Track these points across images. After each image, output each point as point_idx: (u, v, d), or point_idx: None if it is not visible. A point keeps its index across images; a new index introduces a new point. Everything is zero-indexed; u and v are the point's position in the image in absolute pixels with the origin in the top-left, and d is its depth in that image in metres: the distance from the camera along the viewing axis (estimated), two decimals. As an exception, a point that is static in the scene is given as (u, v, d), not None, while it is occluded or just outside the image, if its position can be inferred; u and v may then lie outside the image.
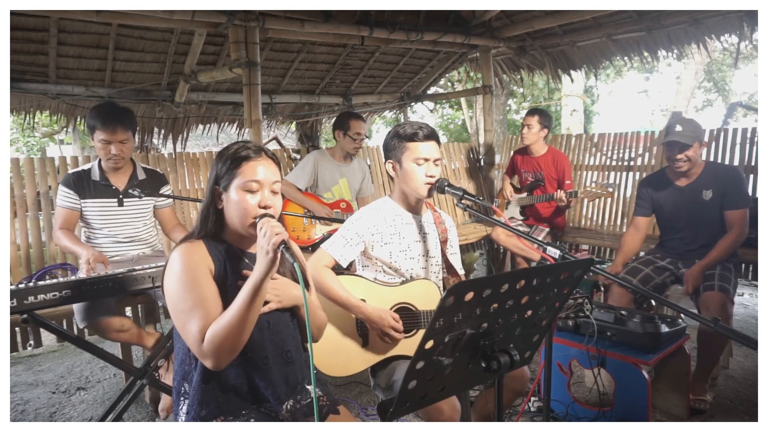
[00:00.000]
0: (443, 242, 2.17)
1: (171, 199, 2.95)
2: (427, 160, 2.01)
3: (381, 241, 2.08)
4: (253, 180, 1.43)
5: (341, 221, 3.31)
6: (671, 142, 2.90)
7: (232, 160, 1.45)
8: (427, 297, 2.08)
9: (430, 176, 2.01)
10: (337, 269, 2.06)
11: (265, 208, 1.43)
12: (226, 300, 1.41)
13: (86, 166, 2.75)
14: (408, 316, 2.04)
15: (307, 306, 1.29)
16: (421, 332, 2.04)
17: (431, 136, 2.02)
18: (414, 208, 2.13)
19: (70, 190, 2.65)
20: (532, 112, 4.30)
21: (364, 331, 2.02)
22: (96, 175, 2.70)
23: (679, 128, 2.90)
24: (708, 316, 2.66)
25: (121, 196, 2.72)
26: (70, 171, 2.76)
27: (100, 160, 2.73)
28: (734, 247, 2.90)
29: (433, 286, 2.10)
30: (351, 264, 2.22)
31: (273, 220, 1.39)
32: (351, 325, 2.02)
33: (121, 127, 2.61)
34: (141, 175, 2.80)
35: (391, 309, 2.03)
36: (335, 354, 1.97)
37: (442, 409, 1.78)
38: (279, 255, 1.32)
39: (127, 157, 2.72)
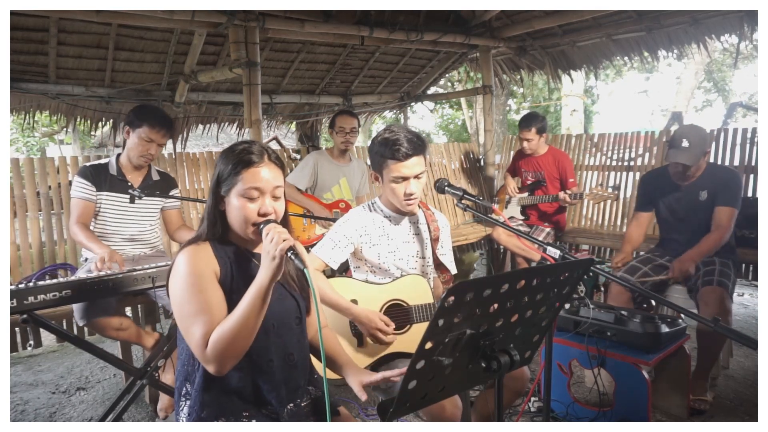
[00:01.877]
0: (434, 241, 2.16)
1: (179, 201, 2.97)
2: (406, 178, 1.97)
3: (369, 242, 2.08)
4: (253, 188, 1.41)
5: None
6: (681, 164, 2.86)
7: (233, 164, 1.42)
8: (416, 292, 2.08)
9: (409, 194, 1.99)
10: (329, 272, 2.06)
11: (264, 215, 1.41)
12: (232, 303, 1.40)
13: (103, 161, 2.79)
14: (399, 312, 2.04)
15: (318, 308, 1.29)
16: (414, 327, 2.05)
17: (413, 152, 1.94)
18: (402, 210, 2.11)
19: (87, 182, 2.67)
20: (527, 123, 4.20)
21: (358, 331, 2.02)
22: (113, 169, 2.74)
23: (685, 143, 2.82)
24: (707, 311, 2.67)
25: (133, 193, 2.74)
26: (87, 164, 2.78)
27: (118, 156, 2.77)
28: (718, 244, 2.86)
29: (422, 280, 2.11)
30: (347, 267, 2.22)
31: (279, 226, 1.36)
32: (345, 327, 2.02)
33: (168, 132, 2.74)
34: (155, 177, 2.86)
35: (382, 306, 2.04)
36: None
37: (444, 406, 1.77)
38: (284, 260, 1.31)
39: (153, 160, 2.81)
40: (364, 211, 2.12)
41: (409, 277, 2.10)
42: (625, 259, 3.14)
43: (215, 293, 1.38)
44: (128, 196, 2.73)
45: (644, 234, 3.24)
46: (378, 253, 2.08)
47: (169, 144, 5.09)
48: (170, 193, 2.89)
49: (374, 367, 2.03)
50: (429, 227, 2.17)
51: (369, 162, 4.52)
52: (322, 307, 1.95)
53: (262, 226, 1.38)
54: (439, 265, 2.17)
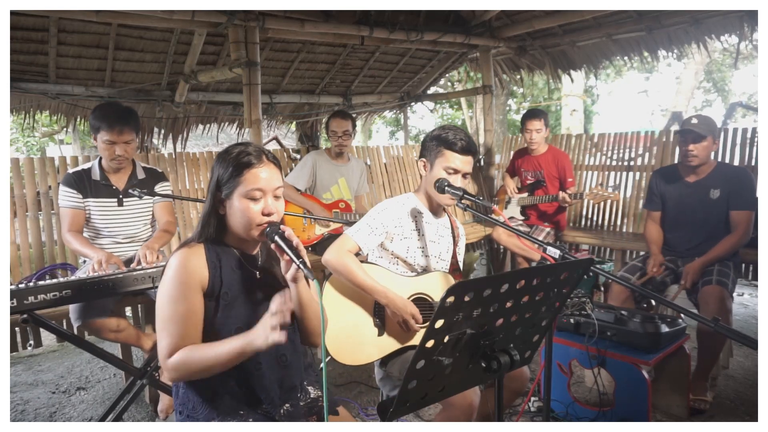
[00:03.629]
0: (455, 245, 2.22)
1: (168, 195, 2.92)
2: (456, 171, 2.01)
3: (401, 234, 2.09)
4: (256, 188, 1.42)
5: (341, 222, 3.33)
6: (685, 130, 2.93)
7: (234, 166, 1.43)
8: (443, 288, 2.11)
9: (458, 187, 2.00)
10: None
11: (268, 215, 1.43)
12: (217, 307, 1.42)
13: (86, 166, 2.73)
14: (425, 306, 2.06)
15: (323, 319, 1.30)
16: None
17: (469, 150, 2.02)
18: (435, 209, 2.17)
19: (72, 190, 2.63)
20: (534, 114, 4.21)
21: (381, 320, 2.03)
22: (96, 174, 2.68)
23: (694, 121, 2.93)
24: (707, 311, 2.68)
25: (120, 196, 2.71)
26: (70, 171, 2.74)
27: (100, 159, 2.72)
28: (736, 247, 2.91)
29: (448, 277, 2.14)
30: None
31: (288, 302, 1.32)
32: (368, 315, 2.04)
33: (126, 128, 2.60)
34: (140, 175, 2.79)
35: (408, 299, 2.05)
36: (351, 343, 1.99)
37: (464, 393, 1.78)
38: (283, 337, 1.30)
39: (130, 158, 2.71)
40: (401, 204, 2.13)
41: (436, 273, 2.13)
42: (658, 260, 3.07)
43: (193, 305, 1.40)
44: (115, 200, 2.70)
45: (661, 230, 3.21)
46: (408, 247, 2.10)
47: (169, 144, 5.10)
48: (158, 188, 2.80)
49: (391, 357, 2.04)
50: (453, 231, 2.21)
51: (368, 161, 4.43)
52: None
53: (277, 231, 1.38)
54: (455, 270, 2.21)
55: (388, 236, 2.08)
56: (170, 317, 1.37)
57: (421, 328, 2.02)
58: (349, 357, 1.98)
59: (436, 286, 2.10)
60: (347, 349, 1.97)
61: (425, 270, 2.14)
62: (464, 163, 2.01)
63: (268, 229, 1.41)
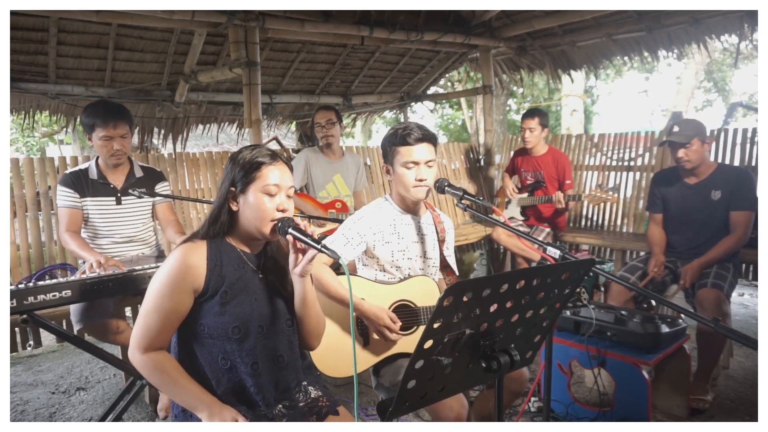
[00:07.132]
0: (441, 242, 2.17)
1: (169, 196, 2.92)
2: (417, 163, 1.98)
3: (382, 240, 2.08)
4: (274, 183, 1.46)
5: (337, 221, 3.32)
6: (669, 142, 2.96)
7: (252, 164, 1.46)
8: (425, 293, 2.08)
9: (420, 179, 1.98)
10: (336, 267, 2.05)
11: (282, 211, 1.46)
12: (214, 303, 1.44)
13: (83, 166, 2.72)
14: (407, 313, 2.04)
15: (351, 312, 1.32)
16: (421, 329, 2.04)
17: (423, 138, 1.99)
18: (412, 209, 2.13)
19: (69, 190, 2.63)
20: (530, 113, 4.24)
21: (364, 330, 2.02)
22: (94, 173, 2.68)
23: (676, 129, 2.96)
24: (703, 314, 2.67)
25: (119, 195, 2.71)
26: (67, 171, 2.73)
27: (97, 159, 2.72)
28: (735, 248, 2.90)
29: (431, 282, 2.11)
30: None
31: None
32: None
33: (121, 122, 2.60)
34: (138, 173, 2.78)
35: (390, 306, 2.03)
36: (335, 355, 1.97)
37: (451, 406, 1.77)
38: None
39: (127, 153, 2.70)
40: (378, 209, 2.11)
41: (418, 278, 2.10)
42: (659, 260, 3.06)
43: (179, 303, 1.42)
44: (113, 199, 2.70)
45: (663, 232, 3.20)
46: (392, 251, 2.08)
47: (169, 144, 5.10)
48: (157, 188, 2.80)
49: (380, 367, 2.03)
50: (436, 228, 2.18)
51: (368, 161, 4.42)
52: (324, 301, 1.94)
53: (290, 224, 1.42)
54: (445, 267, 2.18)
55: (369, 244, 2.07)
56: (154, 309, 1.40)
57: (401, 336, 2.00)
58: (335, 370, 1.95)
59: (417, 292, 2.07)
60: (333, 363, 1.95)
61: (413, 272, 2.12)
62: (422, 152, 1.98)
63: (279, 224, 1.43)
